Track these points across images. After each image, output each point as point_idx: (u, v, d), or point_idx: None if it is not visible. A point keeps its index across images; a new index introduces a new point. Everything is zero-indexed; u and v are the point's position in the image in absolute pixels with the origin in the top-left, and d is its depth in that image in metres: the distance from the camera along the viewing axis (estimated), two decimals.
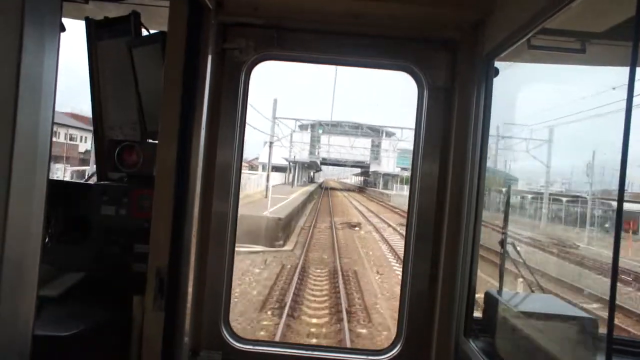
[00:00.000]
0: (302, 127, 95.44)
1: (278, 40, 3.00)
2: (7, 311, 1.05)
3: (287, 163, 79.88)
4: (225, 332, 3.01)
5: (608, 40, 2.92)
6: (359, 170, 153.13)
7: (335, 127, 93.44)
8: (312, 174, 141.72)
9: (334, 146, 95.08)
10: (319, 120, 75.11)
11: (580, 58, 3.12)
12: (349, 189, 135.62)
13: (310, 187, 78.21)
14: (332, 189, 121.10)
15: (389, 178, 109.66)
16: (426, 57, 3.02)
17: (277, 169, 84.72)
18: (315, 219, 38.47)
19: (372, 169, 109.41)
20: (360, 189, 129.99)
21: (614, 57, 3.27)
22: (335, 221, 37.15)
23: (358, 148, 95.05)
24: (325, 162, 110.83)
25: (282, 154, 75.73)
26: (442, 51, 3.00)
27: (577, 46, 2.92)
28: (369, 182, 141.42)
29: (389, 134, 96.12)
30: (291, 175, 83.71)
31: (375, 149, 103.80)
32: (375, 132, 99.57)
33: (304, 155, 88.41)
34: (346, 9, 2.87)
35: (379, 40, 3.05)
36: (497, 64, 2.77)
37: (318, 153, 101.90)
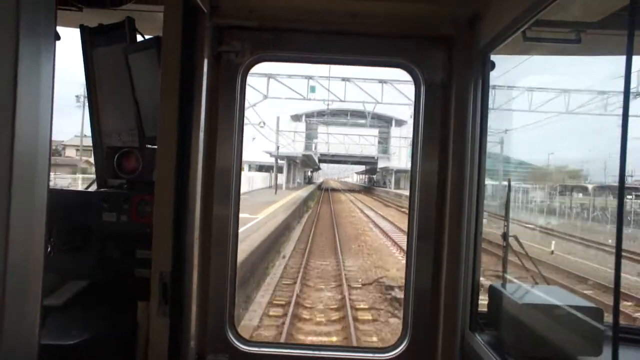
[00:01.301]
0: (296, 118, 79.71)
1: (274, 41, 3.00)
2: (12, 321, 1.05)
3: (274, 160, 61.46)
4: (230, 335, 3.01)
5: (603, 30, 2.92)
6: (362, 167, 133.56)
7: (337, 117, 76.10)
8: (309, 173, 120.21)
9: (336, 135, 78.81)
10: (310, 76, 37.46)
11: (575, 48, 3.12)
12: (353, 189, 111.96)
13: (304, 192, 55.55)
14: (334, 190, 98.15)
15: (401, 175, 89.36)
16: (422, 53, 3.02)
17: (266, 168, 70.88)
18: (300, 276, 16.31)
19: (380, 164, 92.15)
20: (367, 190, 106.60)
21: (610, 46, 3.27)
22: (349, 277, 16.40)
23: (366, 136, 78.92)
24: (324, 158, 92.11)
25: (264, 146, 60.92)
26: (438, 47, 3.00)
27: (572, 36, 2.92)
28: (376, 180, 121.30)
29: (400, 123, 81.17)
30: (281, 175, 64.66)
31: (384, 140, 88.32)
32: (384, 122, 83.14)
33: (297, 149, 70.64)
34: (342, 8, 2.88)
35: (375, 39, 3.05)
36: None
37: (315, 147, 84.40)
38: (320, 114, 79.68)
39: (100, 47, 3.55)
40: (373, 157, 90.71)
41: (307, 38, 3.06)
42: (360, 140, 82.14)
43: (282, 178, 64.75)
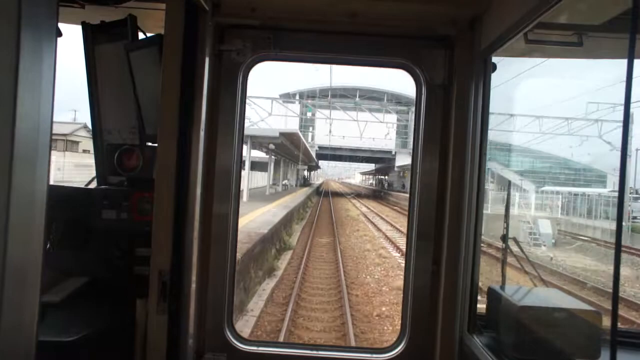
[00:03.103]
0: (286, 98, 58.06)
1: (275, 41, 3.01)
2: (10, 317, 1.05)
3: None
4: (229, 334, 3.02)
5: (605, 33, 2.92)
6: (371, 167, 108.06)
7: (342, 98, 55.42)
8: (305, 172, 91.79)
9: (340, 121, 57.05)
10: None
11: (577, 51, 3.12)
12: (360, 193, 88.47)
13: (280, 208, 28.53)
14: (336, 195, 76.12)
15: None
16: (424, 54, 3.02)
17: (252, 165, 43.70)
18: None
19: (398, 162, 67.77)
20: (381, 196, 78.95)
21: (612, 50, 3.27)
22: None
23: (382, 117, 55.87)
24: (324, 152, 70.32)
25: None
26: (439, 48, 3.00)
27: (574, 40, 2.92)
28: (390, 182, 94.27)
29: None
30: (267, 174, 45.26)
31: (403, 130, 66.55)
32: (403, 105, 60.63)
33: (276, 127, 44.22)
34: (343, 8, 2.87)
35: (376, 39, 3.05)
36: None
37: (312, 139, 67.23)
38: (321, 93, 58.84)
39: (101, 44, 3.54)
40: (390, 152, 68.47)
41: (308, 37, 3.07)
42: (372, 129, 59.96)
43: (266, 179, 46.10)
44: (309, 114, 61.58)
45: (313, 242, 24.34)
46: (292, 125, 51.66)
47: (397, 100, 57.88)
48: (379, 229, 30.90)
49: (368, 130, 59.54)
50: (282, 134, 35.36)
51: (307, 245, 22.77)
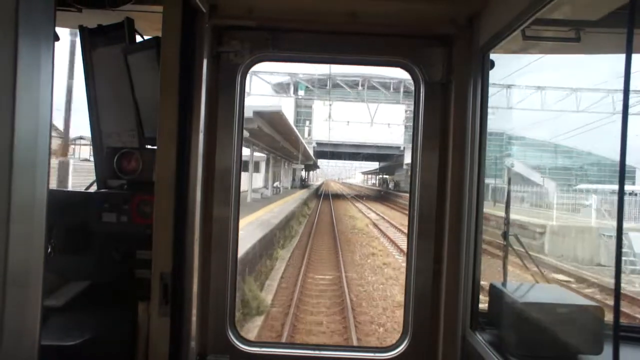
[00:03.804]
0: (280, 88, 52.59)
1: (273, 41, 3.01)
2: (13, 322, 1.05)
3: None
4: (231, 335, 3.02)
5: (602, 28, 2.92)
6: (374, 165, 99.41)
7: (343, 87, 49.53)
8: (303, 172, 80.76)
9: (341, 114, 51.19)
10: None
11: (575, 47, 3.13)
12: (363, 194, 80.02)
13: (250, 231, 16.55)
14: (338, 197, 69.01)
15: None
16: (422, 52, 3.03)
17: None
18: None
19: (408, 159, 49.14)
20: (383, 196, 71.72)
21: (609, 45, 3.28)
22: None
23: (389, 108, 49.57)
24: (323, 149, 62.63)
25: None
26: (438, 46, 3.01)
27: (572, 35, 2.93)
28: (396, 182, 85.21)
29: None
30: (258, 175, 39.81)
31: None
32: (411, 95, 31.61)
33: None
34: (341, 8, 2.88)
35: (374, 38, 3.06)
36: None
37: (309, 134, 60.64)
38: (320, 83, 52.08)
39: (99, 48, 3.54)
40: (398, 148, 59.78)
41: (306, 38, 3.07)
42: (383, 117, 52.42)
43: (258, 179, 38.90)
44: (300, 92, 54.05)
45: (304, 289, 14.15)
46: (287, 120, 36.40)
47: (405, 88, 51.48)
48: (401, 251, 20.21)
49: (379, 117, 52.35)
50: (258, 114, 26.12)
51: (292, 301, 12.74)
